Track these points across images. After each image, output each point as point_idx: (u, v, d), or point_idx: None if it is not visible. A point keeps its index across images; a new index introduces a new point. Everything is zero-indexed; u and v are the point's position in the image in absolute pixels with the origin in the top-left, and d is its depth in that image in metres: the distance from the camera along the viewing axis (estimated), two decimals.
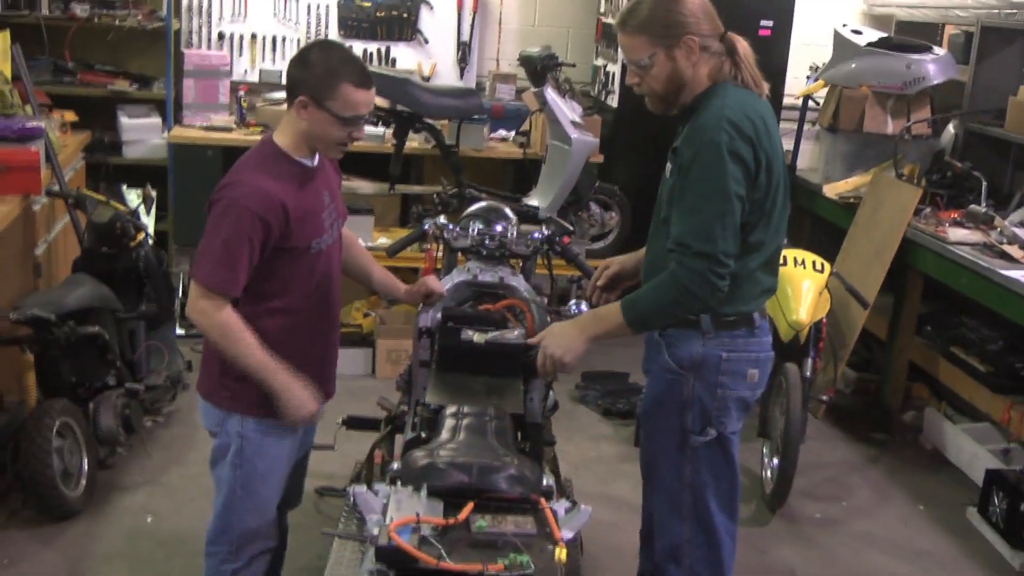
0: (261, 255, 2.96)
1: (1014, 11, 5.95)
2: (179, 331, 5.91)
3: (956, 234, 5.44)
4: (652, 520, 3.53)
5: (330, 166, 3.26)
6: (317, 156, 3.13)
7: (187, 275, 6.39)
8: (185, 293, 6.42)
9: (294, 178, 3.02)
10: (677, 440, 3.24)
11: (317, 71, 2.94)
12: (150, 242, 5.19)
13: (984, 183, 5.85)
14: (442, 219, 3.64)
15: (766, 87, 3.13)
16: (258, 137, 6.63)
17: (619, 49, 6.78)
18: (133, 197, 6.73)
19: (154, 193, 5.35)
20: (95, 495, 4.51)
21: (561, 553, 2.24)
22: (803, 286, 5.10)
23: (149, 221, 6.14)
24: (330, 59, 2.98)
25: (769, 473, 5.01)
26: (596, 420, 5.81)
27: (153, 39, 6.93)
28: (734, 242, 2.96)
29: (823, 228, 7.01)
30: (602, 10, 7.45)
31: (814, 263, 5.26)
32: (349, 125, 3.00)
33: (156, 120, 7.01)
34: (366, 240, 6.27)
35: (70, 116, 6.10)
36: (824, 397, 5.55)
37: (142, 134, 6.99)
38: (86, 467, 4.47)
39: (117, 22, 6.78)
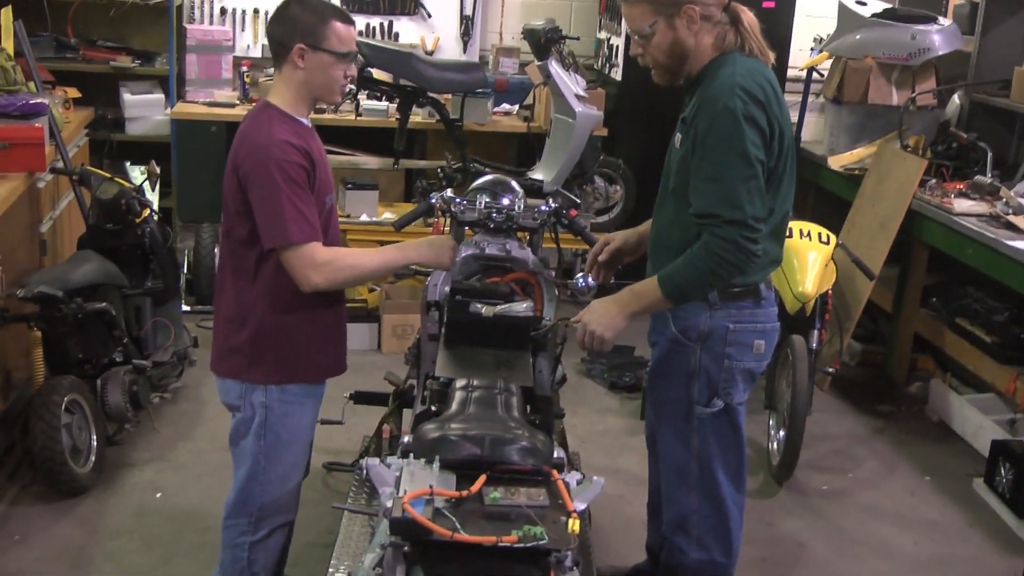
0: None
1: None
2: (185, 307, 5.91)
3: (961, 205, 5.43)
4: (659, 492, 3.55)
5: (317, 135, 3.30)
6: (308, 119, 3.18)
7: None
8: (191, 269, 6.46)
9: (300, 134, 3.09)
10: (684, 411, 3.25)
11: (306, 18, 3.04)
12: (155, 218, 5.19)
13: (989, 154, 5.83)
14: (449, 193, 3.64)
15: (772, 56, 3.14)
16: None
17: (623, 22, 6.79)
18: (137, 174, 6.74)
19: (158, 169, 5.33)
20: (104, 471, 4.52)
21: (574, 524, 2.25)
22: (809, 258, 5.10)
23: (154, 197, 6.14)
24: (311, 5, 3.08)
25: (776, 445, 5.03)
26: (602, 393, 5.82)
27: (155, 14, 6.91)
28: (762, 205, 2.97)
29: (828, 200, 7.00)
30: None
31: (820, 235, 5.26)
32: (344, 62, 3.09)
33: (159, 96, 7.00)
34: (371, 215, 6.28)
35: (73, 93, 6.08)
36: (830, 369, 5.55)
37: (145, 110, 6.98)
38: (95, 443, 4.48)
39: None
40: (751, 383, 3.30)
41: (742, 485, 3.39)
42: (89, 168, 5.25)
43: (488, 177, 3.73)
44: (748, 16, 3.11)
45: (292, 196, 2.96)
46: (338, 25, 3.06)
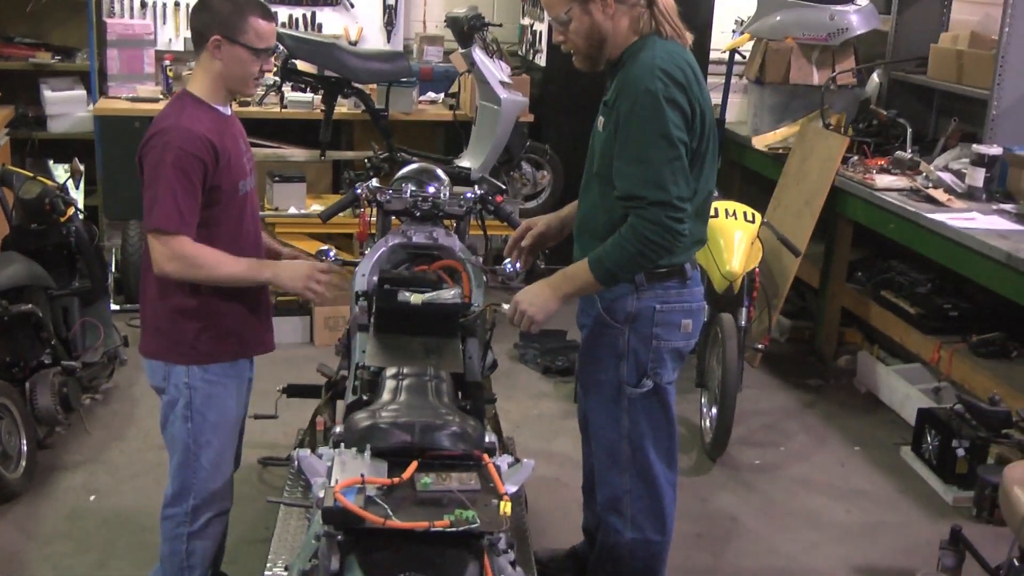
0: (201, 195, 3.04)
1: None
2: (114, 306, 5.85)
3: (883, 180, 5.53)
4: (593, 474, 3.58)
5: (238, 122, 3.31)
6: (229, 108, 3.21)
7: (136, 235, 6.34)
8: (119, 268, 6.38)
9: (214, 122, 3.11)
10: (614, 392, 3.29)
11: (225, 10, 3.06)
12: (80, 217, 5.12)
13: (909, 130, 5.95)
14: (374, 182, 3.64)
15: (690, 37, 3.19)
16: None
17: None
18: (60, 172, 6.61)
19: (82, 167, 5.25)
20: (35, 476, 4.46)
21: (506, 507, 2.27)
22: (735, 237, 5.16)
23: (78, 196, 6.04)
24: None
25: (708, 422, 5.09)
26: (536, 378, 5.85)
27: (74, 9, 6.81)
28: (686, 186, 3.02)
29: (753, 179, 7.10)
30: None
31: (745, 214, 5.33)
32: (261, 56, 3.11)
33: (81, 92, 6.90)
34: (299, 207, 6.25)
35: None
36: (759, 346, 5.64)
37: (67, 107, 6.88)
38: (25, 448, 4.41)
39: None
40: (680, 362, 3.35)
41: (674, 463, 3.43)
42: (10, 168, 5.16)
43: (413, 166, 3.74)
44: None
45: (174, 184, 2.98)
46: (257, 20, 3.07)
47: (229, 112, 3.21)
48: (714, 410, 5.01)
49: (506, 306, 3.25)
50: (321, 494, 2.25)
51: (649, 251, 3.02)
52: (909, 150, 5.85)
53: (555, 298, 3.19)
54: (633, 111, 3.00)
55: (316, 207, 6.24)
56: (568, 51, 3.21)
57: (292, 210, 6.22)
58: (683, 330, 3.27)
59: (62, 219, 4.92)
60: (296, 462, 2.43)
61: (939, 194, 5.22)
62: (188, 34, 7.06)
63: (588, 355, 3.37)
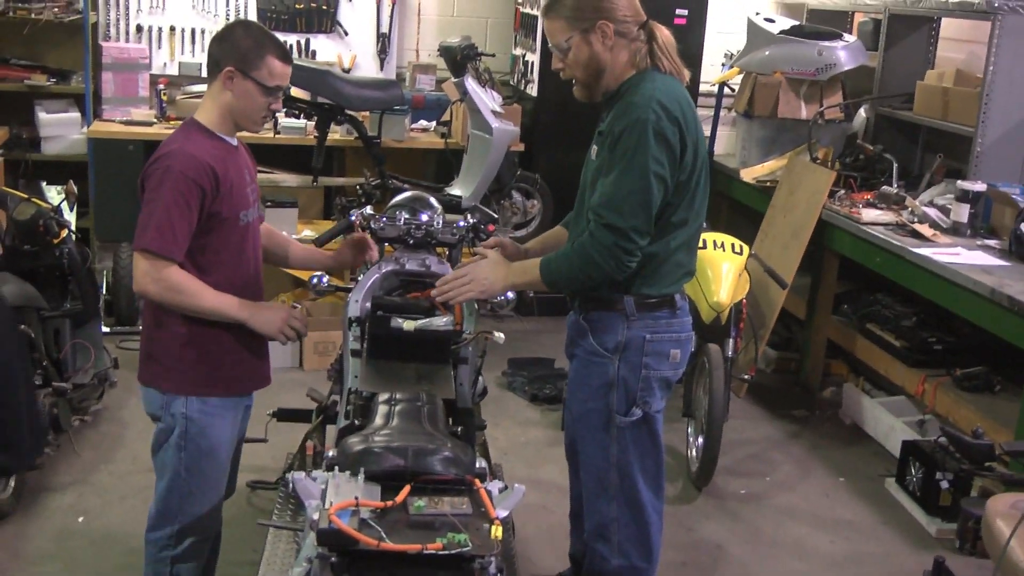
0: (198, 221, 3.05)
1: None
2: (105, 328, 5.86)
3: (869, 215, 5.60)
4: (580, 501, 3.61)
5: (247, 152, 3.34)
6: (235, 138, 3.23)
7: (122, 256, 6.35)
8: (110, 290, 6.40)
9: (218, 151, 3.13)
10: (603, 421, 3.33)
11: (244, 44, 3.09)
12: (73, 239, 5.14)
13: (895, 165, 6.03)
14: (368, 210, 3.68)
15: (687, 74, 3.26)
16: None
17: (537, 39, 6.90)
18: (54, 194, 6.65)
19: (76, 189, 5.28)
20: (24, 496, 4.46)
21: (497, 531, 2.30)
22: (723, 268, 5.22)
23: (71, 218, 6.07)
24: (254, 34, 3.14)
25: (694, 452, 5.13)
26: (524, 406, 5.88)
27: (70, 32, 6.84)
28: (646, 220, 3.07)
29: (741, 211, 7.16)
30: (520, 0, 7.51)
31: (733, 246, 5.38)
32: (271, 95, 3.14)
33: (75, 115, 6.93)
34: (291, 232, 6.28)
35: None
36: (746, 376, 5.68)
37: (61, 129, 6.91)
38: None
39: (33, 15, 6.68)
40: (668, 391, 3.39)
41: (661, 491, 3.47)
42: (4, 189, 5.19)
43: (407, 194, 3.78)
44: (664, 34, 3.21)
45: (171, 208, 2.99)
46: (274, 60, 3.10)
47: (235, 143, 3.23)
48: (700, 439, 5.04)
49: (498, 334, 3.29)
50: (316, 516, 2.28)
51: (592, 271, 3.10)
52: (895, 185, 5.92)
53: (505, 281, 3.28)
54: (622, 136, 3.07)
55: (308, 232, 6.29)
56: (567, 79, 3.27)
57: (284, 235, 6.24)
58: (672, 360, 3.32)
59: (55, 241, 4.94)
60: (291, 484, 2.46)
61: (924, 229, 5.29)
62: (182, 59, 7.24)
63: (577, 384, 3.41)
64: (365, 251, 3.56)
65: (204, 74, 7.22)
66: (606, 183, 3.08)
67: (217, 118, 3.15)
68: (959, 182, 5.50)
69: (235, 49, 3.09)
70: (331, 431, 3.80)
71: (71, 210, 5.80)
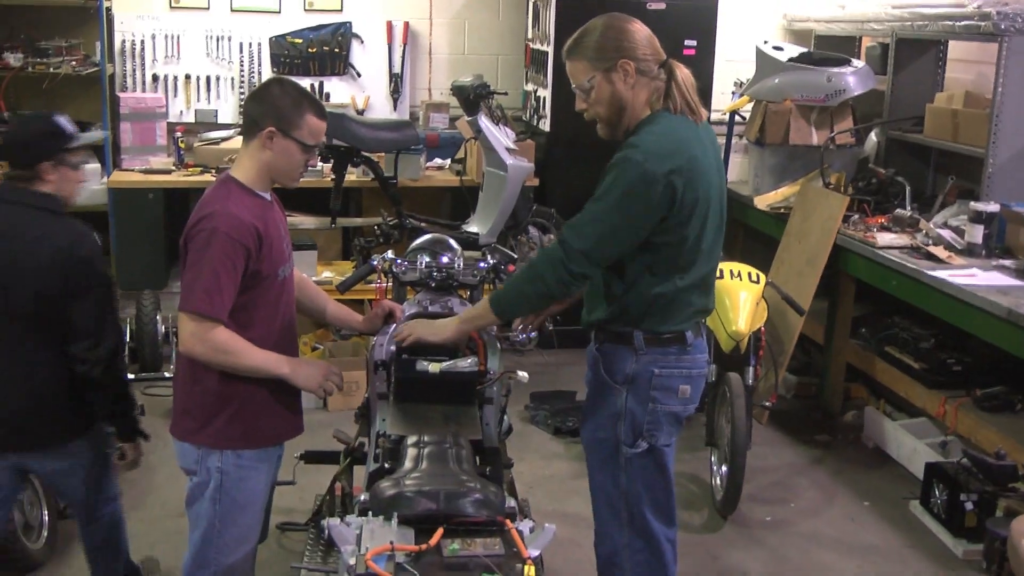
0: (242, 280, 3.10)
1: (926, 23, 6.18)
2: (129, 375, 5.91)
3: (884, 238, 5.63)
4: None
5: (279, 206, 3.39)
6: (269, 193, 3.28)
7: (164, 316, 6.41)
8: (134, 337, 6.46)
9: (258, 209, 3.18)
10: (611, 451, 3.36)
11: (282, 103, 3.14)
12: None
13: (907, 188, 6.06)
14: (390, 254, 3.74)
15: (704, 113, 3.28)
16: (198, 178, 6.71)
17: (548, 74, 6.97)
18: None
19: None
20: (57, 546, 4.50)
21: (530, 570, 2.35)
22: (740, 297, 5.25)
23: None
24: (292, 93, 3.20)
25: (719, 480, 5.15)
26: (547, 439, 5.91)
27: (88, 84, 6.96)
28: (599, 250, 3.12)
29: (756, 238, 7.20)
30: (530, 36, 7.59)
31: (749, 274, 5.42)
32: (309, 152, 3.21)
33: (95, 166, 7.01)
34: (310, 274, 6.34)
35: (6, 167, 6.09)
36: (767, 403, 5.70)
37: None
38: (46, 518, 4.46)
39: (51, 69, 6.81)
40: (677, 426, 3.40)
41: (672, 522, 3.47)
42: None
43: (427, 236, 3.84)
44: (683, 72, 3.24)
45: (219, 269, 3.04)
46: (312, 118, 3.17)
47: (270, 198, 3.28)
48: (724, 468, 5.07)
49: (521, 373, 3.34)
50: (352, 561, 2.33)
51: (537, 283, 3.18)
52: (908, 208, 5.95)
53: (454, 326, 3.34)
54: (610, 170, 3.13)
55: (327, 274, 6.35)
56: (590, 118, 3.31)
57: (309, 280, 6.31)
58: (681, 395, 3.33)
59: None
60: (326, 531, 2.50)
61: (939, 251, 5.32)
62: (198, 106, 7.34)
63: (589, 413, 3.46)
64: (395, 319, 3.59)
65: (219, 120, 7.38)
66: (585, 207, 3.16)
67: (255, 175, 3.20)
68: (972, 203, 5.53)
69: (274, 108, 3.14)
70: (359, 472, 3.84)
71: None
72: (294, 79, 7.22)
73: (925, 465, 5.10)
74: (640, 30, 3.21)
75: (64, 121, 3.56)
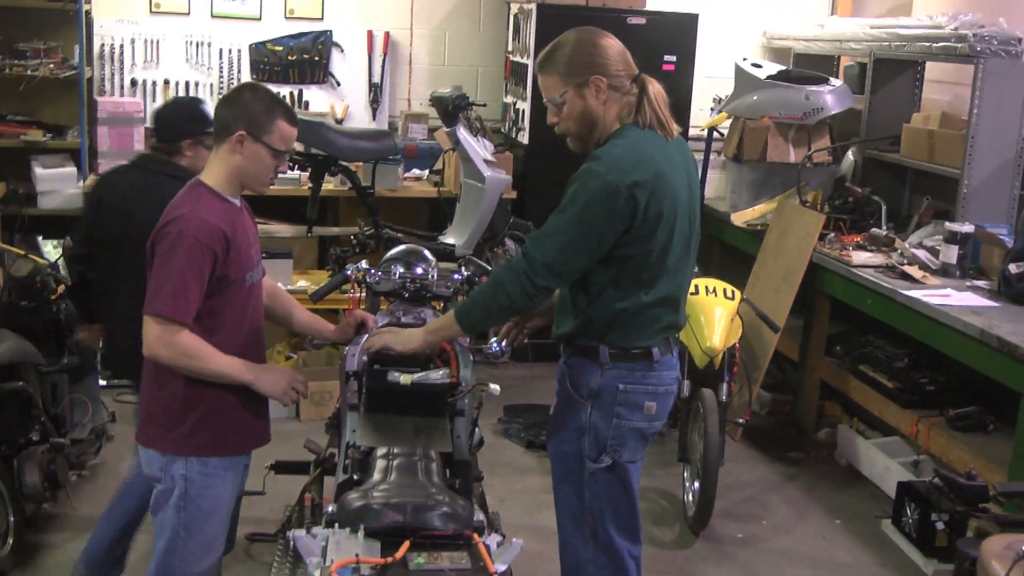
0: (208, 284, 3.09)
1: (903, 43, 6.22)
2: (101, 382, 5.88)
3: (859, 257, 5.66)
4: None
5: (249, 213, 3.38)
6: (239, 199, 3.27)
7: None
8: (104, 344, 6.41)
9: (227, 213, 3.17)
10: (575, 464, 3.35)
11: (254, 108, 3.14)
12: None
13: (883, 207, 6.10)
14: (364, 264, 3.73)
15: (675, 128, 3.27)
16: None
17: (528, 87, 6.98)
18: (50, 248, 6.69)
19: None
20: (23, 553, 4.47)
21: None
22: (715, 313, 5.26)
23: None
24: (264, 98, 3.19)
25: (691, 496, 5.15)
26: (520, 453, 5.90)
27: (66, 87, 6.91)
28: (562, 261, 3.11)
29: (732, 255, 7.22)
30: (510, 48, 7.59)
31: (725, 291, 5.43)
32: (279, 158, 3.21)
33: (71, 169, 6.97)
34: (285, 283, 6.31)
35: None
36: (740, 420, 5.70)
37: (57, 184, 6.93)
38: (12, 525, 4.43)
39: (29, 72, 6.76)
40: (642, 443, 3.38)
41: (637, 539, 3.45)
42: (2, 245, 5.23)
43: (402, 247, 3.83)
44: (655, 87, 3.24)
45: (185, 273, 3.03)
46: (283, 124, 3.17)
47: (239, 203, 3.27)
48: (696, 484, 5.06)
49: (493, 386, 3.32)
50: (317, 574, 2.31)
51: (499, 294, 3.16)
52: (884, 227, 5.98)
53: (420, 337, 3.31)
54: (573, 181, 3.13)
55: (302, 283, 6.32)
56: (562, 132, 3.30)
57: (281, 288, 6.28)
58: (646, 411, 3.31)
59: (52, 296, 4.99)
60: (291, 541, 2.48)
61: (914, 271, 5.35)
62: None
63: (555, 425, 3.44)
64: (367, 329, 3.57)
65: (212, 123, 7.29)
66: (547, 221, 3.15)
67: (224, 180, 3.20)
68: (947, 224, 5.57)
69: (245, 113, 3.13)
70: (329, 483, 3.81)
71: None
72: (274, 87, 7.31)
73: (897, 484, 5.11)
74: (612, 45, 3.21)
75: (207, 108, 4.13)
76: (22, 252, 5.12)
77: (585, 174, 3.09)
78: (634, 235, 3.11)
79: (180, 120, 4.12)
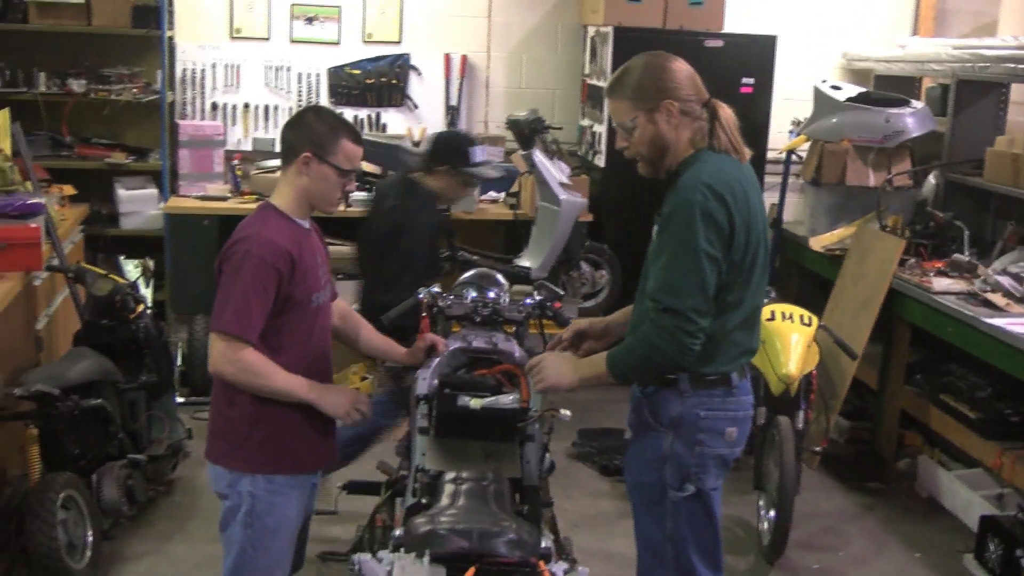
0: (273, 304, 3.13)
1: (987, 64, 6.10)
2: (179, 399, 5.97)
3: (941, 283, 5.54)
4: None
5: (318, 235, 3.42)
6: (308, 221, 3.31)
7: (196, 334, 6.48)
8: (185, 361, 6.52)
9: (294, 235, 3.22)
10: (657, 494, 3.30)
11: (319, 129, 3.19)
12: (149, 313, 5.27)
13: (966, 232, 5.97)
14: (436, 288, 3.74)
15: (748, 152, 3.24)
16: (252, 205, 6.73)
17: (604, 110, 6.96)
18: (131, 268, 6.83)
19: (152, 265, 5.43)
20: (100, 566, 4.53)
21: None
22: (791, 339, 5.18)
23: (147, 293, 6.22)
24: (327, 119, 3.25)
25: (766, 525, 5.07)
26: (594, 477, 5.86)
27: (148, 111, 7.05)
28: (704, 299, 3.05)
29: (811, 280, 7.12)
30: (587, 71, 7.59)
31: (801, 317, 5.35)
32: (346, 177, 3.25)
33: (152, 191, 7.10)
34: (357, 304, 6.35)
35: (69, 190, 6.21)
36: (817, 448, 5.60)
37: (139, 205, 7.07)
38: (90, 538, 4.49)
39: (113, 96, 6.93)
40: (724, 469, 3.34)
41: (719, 567, 3.40)
42: (85, 266, 5.34)
43: (474, 271, 3.84)
44: (726, 112, 3.21)
45: (249, 291, 3.08)
46: (348, 143, 3.21)
47: (308, 225, 3.31)
48: (772, 513, 4.98)
49: (564, 411, 3.30)
50: None
51: (656, 356, 3.07)
52: (967, 253, 5.86)
53: (575, 376, 3.25)
54: (671, 219, 3.08)
55: None
56: (631, 156, 3.29)
57: (355, 306, 6.32)
58: (727, 438, 3.28)
59: (132, 316, 5.08)
60: (357, 565, 2.49)
61: (997, 298, 5.22)
62: (256, 135, 7.41)
63: (634, 456, 3.40)
64: (437, 353, 3.58)
65: (279, 147, 7.39)
66: (659, 267, 3.08)
67: (293, 202, 3.24)
68: None
69: (310, 135, 3.18)
70: (400, 505, 3.82)
71: (147, 285, 5.96)
72: (352, 110, 7.39)
73: (980, 518, 4.98)
74: (682, 68, 3.19)
75: (474, 149, 4.90)
76: (103, 272, 5.22)
77: (686, 207, 3.04)
78: (730, 259, 3.09)
79: (443, 149, 4.91)
